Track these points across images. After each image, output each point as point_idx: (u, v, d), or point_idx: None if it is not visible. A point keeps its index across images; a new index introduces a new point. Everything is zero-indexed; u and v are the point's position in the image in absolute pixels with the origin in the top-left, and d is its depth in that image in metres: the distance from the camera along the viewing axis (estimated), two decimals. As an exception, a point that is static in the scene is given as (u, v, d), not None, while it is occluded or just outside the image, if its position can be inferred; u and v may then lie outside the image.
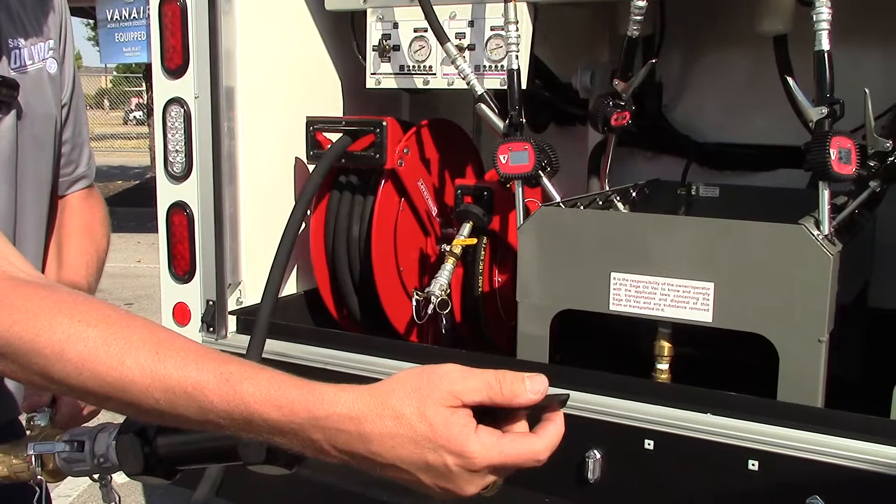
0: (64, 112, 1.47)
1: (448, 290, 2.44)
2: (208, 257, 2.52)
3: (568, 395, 0.90)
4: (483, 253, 2.63)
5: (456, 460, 0.82)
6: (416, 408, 0.83)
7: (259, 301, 2.49)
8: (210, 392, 0.85)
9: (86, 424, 1.22)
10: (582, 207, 2.44)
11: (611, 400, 2.02)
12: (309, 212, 2.79)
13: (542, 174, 2.39)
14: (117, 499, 1.20)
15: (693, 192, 2.98)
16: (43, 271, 1.44)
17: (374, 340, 2.43)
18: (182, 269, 2.57)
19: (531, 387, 0.86)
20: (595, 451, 2.00)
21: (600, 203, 2.60)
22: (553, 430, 0.88)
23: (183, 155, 2.51)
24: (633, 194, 2.83)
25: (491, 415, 0.87)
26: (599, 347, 2.48)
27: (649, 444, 1.95)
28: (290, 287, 2.93)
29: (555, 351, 2.36)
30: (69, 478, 1.17)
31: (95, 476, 1.16)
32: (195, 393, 0.85)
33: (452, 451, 0.82)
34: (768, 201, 2.80)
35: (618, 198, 2.70)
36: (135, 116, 26.96)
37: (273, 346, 2.44)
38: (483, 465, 0.83)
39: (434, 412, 0.82)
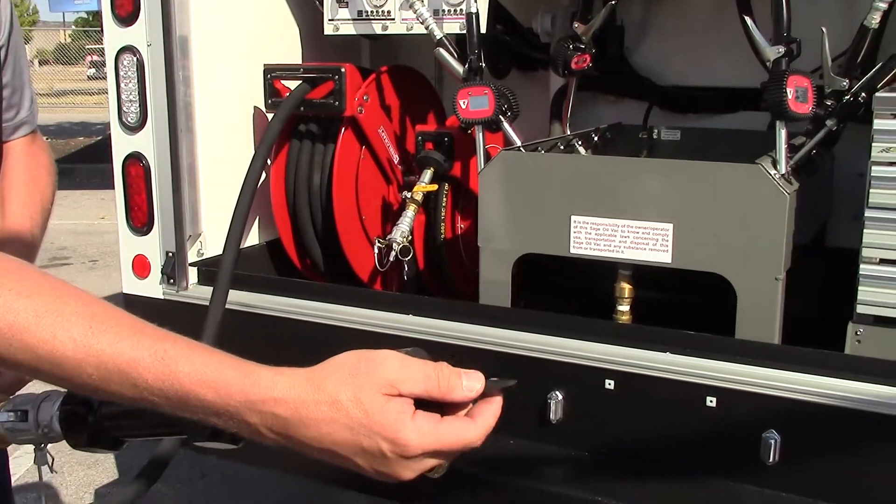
0: (1, 54, 1.42)
1: (409, 237, 2.44)
2: (166, 209, 2.50)
3: (515, 382, 0.90)
4: (445, 199, 2.63)
5: (391, 447, 0.83)
6: (352, 394, 0.83)
7: (221, 252, 2.47)
8: (144, 370, 0.83)
9: (30, 389, 1.19)
10: (543, 152, 2.45)
11: (571, 342, 2.05)
12: (269, 161, 2.78)
13: (502, 119, 2.39)
14: (50, 461, 1.18)
15: (655, 136, 2.99)
16: None
17: (338, 289, 2.44)
18: (140, 220, 2.55)
19: (467, 383, 0.86)
20: (557, 393, 2.04)
21: (561, 147, 2.60)
22: (489, 414, 0.88)
23: (137, 105, 2.48)
24: (595, 138, 2.83)
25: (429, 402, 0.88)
26: (562, 291, 2.51)
27: (610, 384, 1.98)
28: (253, 238, 2.92)
29: (517, 296, 2.39)
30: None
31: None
32: (129, 370, 0.83)
33: (387, 438, 0.83)
34: (730, 143, 2.82)
35: (579, 142, 2.71)
36: (91, 74, 26.45)
37: (236, 297, 2.44)
38: (418, 451, 0.84)
39: (370, 399, 0.83)
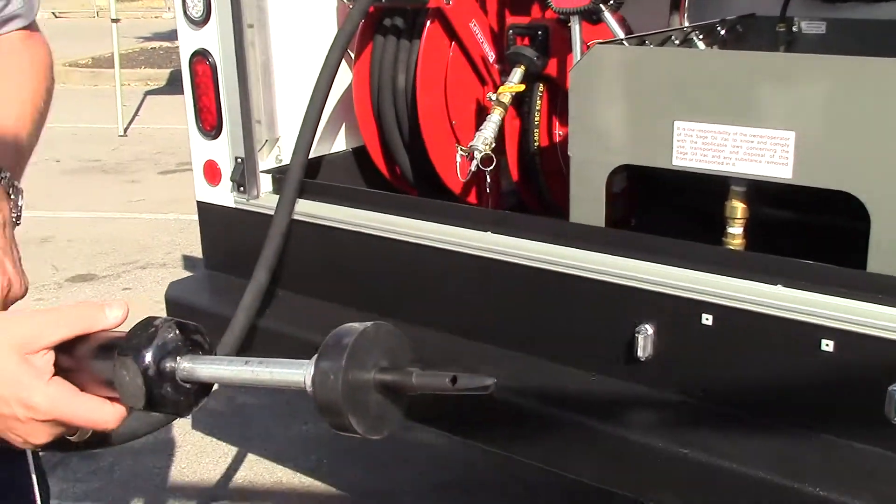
0: None
1: (492, 145, 2.21)
2: (234, 111, 2.35)
3: (493, 382, 0.82)
4: (539, 102, 2.39)
5: (23, 410, 0.86)
6: None
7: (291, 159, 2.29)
8: None
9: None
10: (651, 46, 2.15)
11: (665, 268, 1.79)
12: (353, 59, 2.58)
13: (603, 7, 2.11)
14: None
15: (795, 29, 2.61)
16: None
17: (401, 199, 2.25)
18: (209, 123, 2.42)
19: (110, 312, 0.90)
20: (647, 326, 1.79)
21: (676, 42, 2.29)
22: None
23: (201, -4, 2.32)
24: (722, 32, 2.49)
25: (77, 354, 0.90)
26: (667, 209, 2.24)
27: (707, 319, 1.73)
28: (339, 143, 2.75)
29: (612, 212, 2.14)
30: None
31: None
32: None
33: (19, 401, 0.86)
34: (884, 38, 2.42)
35: (700, 35, 2.38)
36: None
37: (306, 208, 2.29)
38: (48, 417, 0.87)
39: (6, 359, 0.86)
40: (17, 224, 1.24)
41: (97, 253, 5.17)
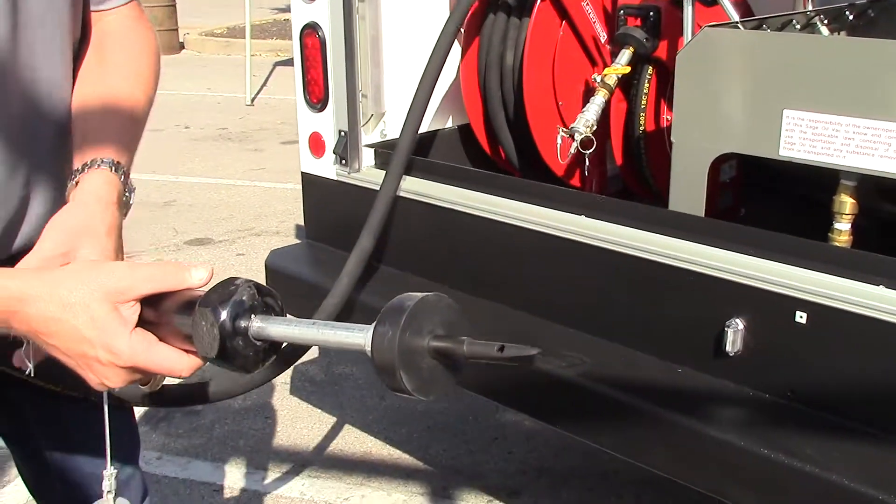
0: None
1: (594, 127, 2.18)
2: (340, 84, 2.39)
3: (537, 352, 0.86)
4: (647, 85, 2.34)
5: (106, 354, 0.95)
6: (81, 297, 0.94)
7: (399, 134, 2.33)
8: None
9: None
10: (768, 31, 2.07)
11: (759, 261, 1.73)
12: (462, 36, 2.59)
13: (717, -11, 2.04)
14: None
15: (933, 17, 2.46)
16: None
17: (497, 179, 2.24)
18: (316, 96, 2.47)
19: (195, 273, 0.97)
20: (737, 321, 1.75)
21: (797, 26, 2.20)
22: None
23: (314, -31, 2.36)
24: (850, 16, 2.38)
25: (161, 309, 0.97)
26: (772, 200, 2.16)
27: (801, 317, 1.67)
28: (444, 121, 2.77)
29: (718, 201, 2.09)
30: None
31: None
32: None
33: (104, 345, 0.94)
34: None
35: (825, 20, 2.28)
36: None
37: (412, 185, 2.31)
38: (128, 364, 0.95)
39: (97, 306, 0.94)
40: (128, 209, 1.22)
41: (215, 218, 5.36)
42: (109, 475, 1.14)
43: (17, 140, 1.18)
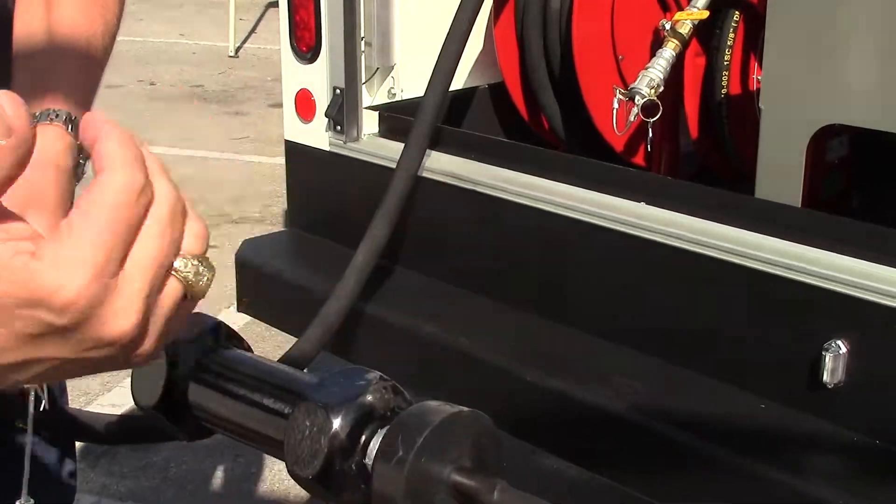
0: None
1: (660, 88, 2.18)
2: (336, 28, 2.39)
3: None
4: (732, 36, 2.34)
5: (51, 314, 0.62)
6: None
7: (422, 94, 2.30)
8: None
9: None
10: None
11: (872, 267, 1.72)
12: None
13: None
14: None
15: None
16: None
17: (534, 153, 2.25)
18: (305, 43, 2.48)
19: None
20: (838, 343, 1.73)
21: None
22: (112, 151, 0.64)
23: None
24: None
25: None
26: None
27: (923, 341, 1.65)
28: (468, 78, 2.77)
29: (821, 188, 2.07)
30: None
31: None
32: None
33: (34, 303, 0.62)
34: None
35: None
36: None
37: (433, 163, 2.30)
38: (83, 285, 0.62)
39: None
40: (83, 176, 1.15)
41: (184, 200, 5.41)
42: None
43: None
